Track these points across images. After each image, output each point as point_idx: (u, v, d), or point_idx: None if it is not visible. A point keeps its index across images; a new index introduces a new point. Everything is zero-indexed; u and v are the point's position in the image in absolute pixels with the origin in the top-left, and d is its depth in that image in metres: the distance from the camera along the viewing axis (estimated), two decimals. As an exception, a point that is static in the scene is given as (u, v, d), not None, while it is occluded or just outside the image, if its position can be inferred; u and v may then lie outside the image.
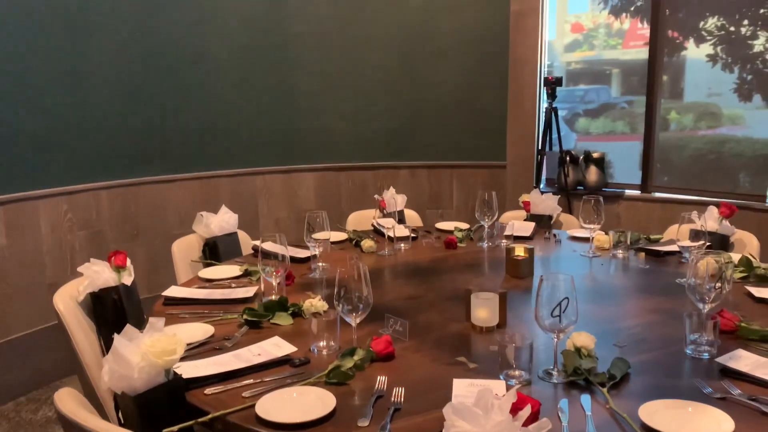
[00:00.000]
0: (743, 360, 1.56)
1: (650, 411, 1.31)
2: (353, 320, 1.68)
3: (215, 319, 1.96)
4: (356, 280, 1.66)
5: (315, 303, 1.93)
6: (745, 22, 4.09)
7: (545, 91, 4.37)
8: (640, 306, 2.10)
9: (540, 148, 4.43)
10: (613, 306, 2.11)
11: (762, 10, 3.96)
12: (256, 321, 1.92)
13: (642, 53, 4.42)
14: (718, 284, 1.72)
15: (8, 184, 3.36)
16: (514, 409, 1.07)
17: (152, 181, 4.03)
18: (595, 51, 4.83)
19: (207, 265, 2.69)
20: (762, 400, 1.36)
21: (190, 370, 1.53)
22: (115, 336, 1.39)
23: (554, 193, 3.64)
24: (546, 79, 4.34)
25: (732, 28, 4.14)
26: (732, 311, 1.92)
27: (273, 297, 2.11)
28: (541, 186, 4.68)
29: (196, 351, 1.72)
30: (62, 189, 3.60)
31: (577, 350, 1.58)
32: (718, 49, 4.18)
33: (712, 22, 4.20)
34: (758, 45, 4.00)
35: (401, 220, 3.48)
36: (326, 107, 4.69)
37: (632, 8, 4.65)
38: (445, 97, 4.76)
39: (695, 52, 4.31)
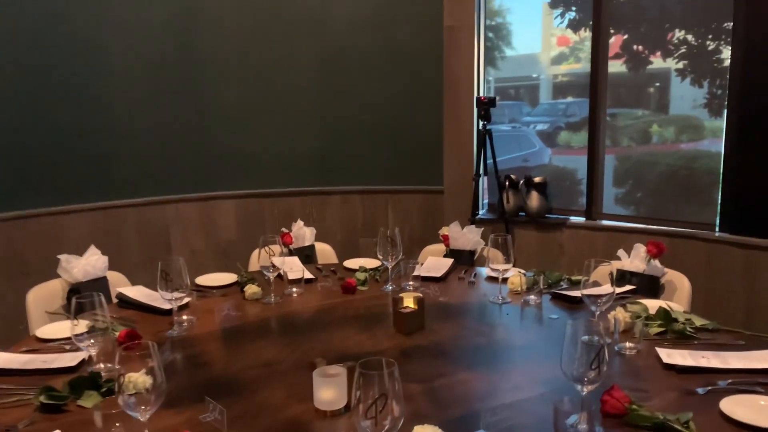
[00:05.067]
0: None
1: None
2: (141, 414, 1.34)
3: (9, 401, 1.61)
4: (141, 360, 1.33)
5: (135, 378, 1.59)
6: (710, 36, 3.87)
7: (480, 110, 4.07)
8: (529, 375, 1.77)
9: (475, 172, 4.12)
10: (498, 374, 1.79)
11: (725, 24, 3.72)
12: (54, 405, 1.57)
13: (623, 67, 4.15)
14: (602, 359, 1.39)
15: None
16: None
17: (44, 213, 3.66)
18: (581, 64, 4.62)
19: (67, 317, 2.34)
20: None
21: None
22: None
23: (486, 220, 3.34)
24: (479, 99, 4.05)
25: (696, 42, 3.93)
26: (633, 382, 1.62)
27: (100, 366, 1.78)
28: (481, 212, 4.38)
29: (-45, 451, 1.38)
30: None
31: (417, 452, 1.26)
32: (685, 63, 3.98)
33: (676, 36, 4.00)
34: (726, 60, 3.77)
35: (309, 256, 3.15)
36: (247, 129, 4.35)
37: (590, 22, 4.41)
38: (377, 118, 4.45)
39: (667, 66, 4.11)
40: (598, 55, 4.09)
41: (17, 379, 1.75)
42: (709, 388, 1.59)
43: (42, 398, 1.57)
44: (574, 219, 4.18)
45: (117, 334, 1.94)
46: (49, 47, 3.72)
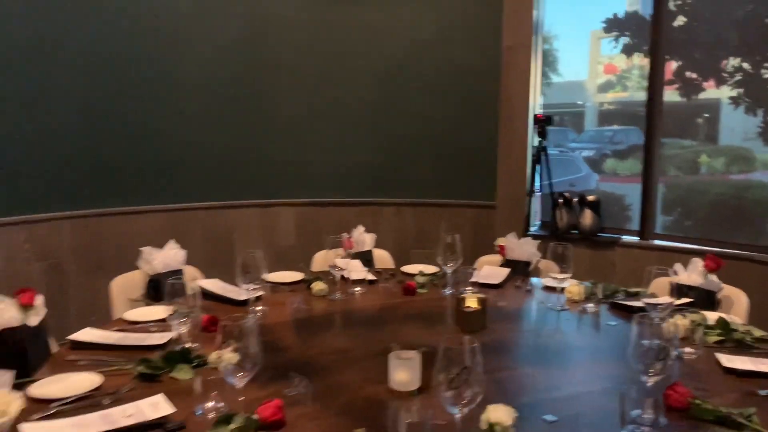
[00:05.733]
0: (685, 448, 1.31)
1: None
2: (238, 380, 1.47)
3: (110, 369, 1.77)
4: (241, 334, 1.46)
5: (224, 355, 1.73)
6: (766, 64, 3.87)
7: (537, 128, 4.16)
8: (590, 372, 1.85)
9: (529, 187, 4.20)
10: (561, 370, 1.87)
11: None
12: (152, 374, 1.72)
13: (674, 95, 4.18)
14: (670, 351, 1.47)
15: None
16: None
17: (118, 212, 3.89)
18: (629, 92, 4.67)
19: (148, 304, 2.52)
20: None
21: (41, 430, 1.34)
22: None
23: (540, 236, 3.41)
24: (536, 116, 4.14)
25: (751, 70, 3.93)
26: (694, 383, 1.67)
27: (188, 345, 1.92)
28: (533, 229, 4.44)
29: (69, 407, 1.53)
30: (21, 218, 3.48)
31: (491, 426, 1.35)
32: (739, 91, 3.98)
33: (731, 64, 4.01)
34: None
35: (368, 260, 3.27)
36: (308, 140, 4.53)
37: (645, 47, 4.44)
38: (432, 133, 4.57)
39: (720, 94, 4.11)
40: (655, 81, 4.12)
41: (114, 353, 1.91)
42: (769, 390, 1.63)
43: (141, 368, 1.73)
44: (626, 238, 4.21)
45: (201, 318, 2.09)
46: (127, 61, 3.99)
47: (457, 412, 1.30)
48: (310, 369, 1.80)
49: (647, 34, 4.16)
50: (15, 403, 1.24)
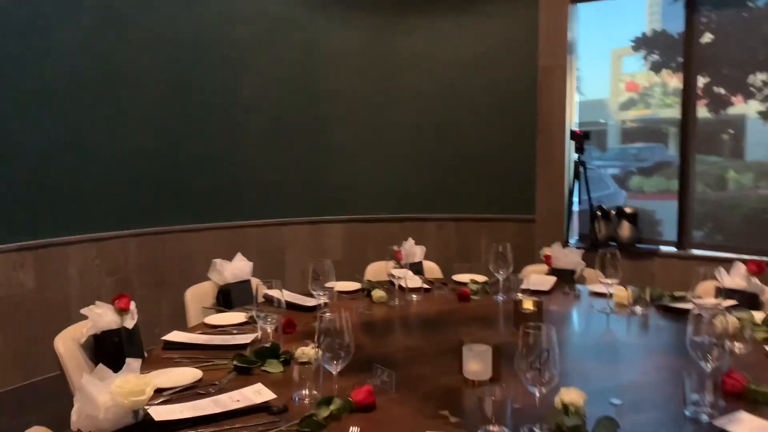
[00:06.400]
0: (744, 423, 1.44)
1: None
2: (334, 368, 1.64)
3: (206, 365, 1.95)
4: (338, 328, 1.63)
5: (306, 350, 1.90)
6: None
7: (573, 145, 4.32)
8: (647, 364, 1.98)
9: (568, 200, 4.34)
10: (619, 364, 2.01)
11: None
12: (246, 367, 1.90)
13: (700, 112, 4.29)
14: (725, 342, 1.61)
15: (39, 230, 3.51)
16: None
17: (180, 230, 4.14)
18: (652, 110, 4.77)
19: (219, 311, 2.71)
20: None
21: (163, 413, 1.52)
22: (84, 375, 1.39)
23: (580, 248, 3.54)
24: (573, 132, 4.30)
25: None
26: (747, 372, 1.79)
27: (267, 344, 2.10)
28: (572, 241, 4.57)
29: (179, 395, 1.71)
30: (92, 236, 3.73)
31: (565, 407, 1.50)
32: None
33: (759, 78, 4.12)
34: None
35: (419, 271, 3.43)
36: (355, 160, 4.76)
37: (673, 64, 4.59)
38: (473, 151, 4.76)
39: (747, 109, 4.20)
40: (689, 97, 4.24)
41: (204, 352, 2.09)
42: (821, 378, 1.75)
43: (236, 362, 1.91)
44: (664, 248, 4.31)
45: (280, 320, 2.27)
46: (194, 88, 4.29)
47: (536, 392, 1.46)
48: (388, 363, 1.95)
49: (675, 52, 4.30)
50: (151, 384, 1.43)
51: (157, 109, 4.15)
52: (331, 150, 4.70)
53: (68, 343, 2.08)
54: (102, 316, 2.15)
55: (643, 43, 4.83)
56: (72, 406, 1.42)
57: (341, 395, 1.62)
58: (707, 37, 4.30)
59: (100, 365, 1.45)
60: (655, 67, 4.71)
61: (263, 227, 4.47)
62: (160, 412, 1.51)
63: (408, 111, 4.78)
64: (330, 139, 4.70)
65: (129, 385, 1.39)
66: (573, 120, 4.65)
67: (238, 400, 1.63)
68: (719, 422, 1.45)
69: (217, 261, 2.92)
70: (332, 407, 1.54)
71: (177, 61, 4.21)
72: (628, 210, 4.43)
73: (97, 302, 2.18)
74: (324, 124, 4.69)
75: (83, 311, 2.14)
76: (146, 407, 1.49)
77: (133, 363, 1.52)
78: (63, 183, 3.66)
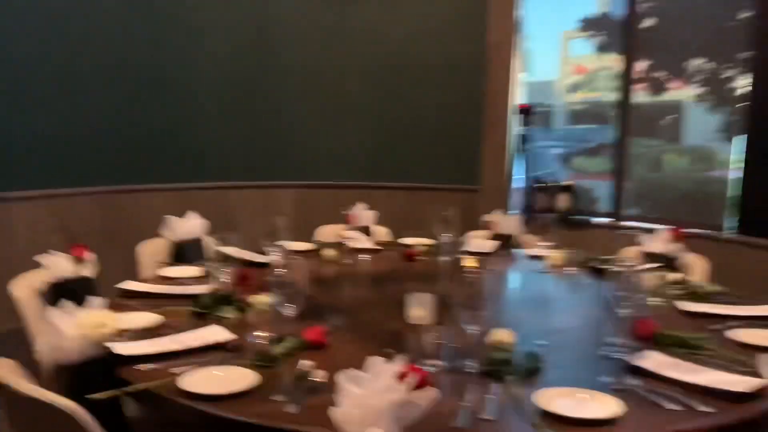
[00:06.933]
0: (651, 360, 1.64)
1: (548, 396, 1.40)
2: (289, 312, 1.76)
3: (166, 310, 2.05)
4: (293, 273, 1.76)
5: (261, 298, 2.02)
6: (730, 64, 4.17)
7: (519, 118, 4.51)
8: (572, 314, 2.19)
9: (511, 174, 4.56)
10: (548, 313, 2.21)
11: (744, 54, 4.08)
12: (203, 312, 2.01)
13: (641, 96, 4.47)
14: (641, 296, 1.80)
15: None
16: (402, 377, 1.16)
17: (130, 190, 4.15)
18: (600, 93, 4.91)
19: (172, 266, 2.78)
20: (657, 392, 1.45)
21: (126, 348, 1.62)
22: (50, 309, 1.48)
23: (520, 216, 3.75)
24: (519, 107, 4.49)
25: (715, 70, 4.24)
26: (658, 322, 2.01)
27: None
28: (514, 211, 4.79)
29: (140, 335, 1.80)
30: (42, 192, 3.72)
31: (496, 345, 1.68)
32: (704, 90, 4.27)
33: (696, 64, 4.30)
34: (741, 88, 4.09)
35: (369, 234, 3.58)
36: (307, 128, 4.84)
37: (618, 48, 4.74)
38: (423, 122, 4.90)
39: (685, 95, 4.40)
40: (627, 80, 4.46)
41: (162, 300, 2.18)
42: (718, 326, 1.99)
43: (193, 307, 2.01)
44: (599, 219, 4.58)
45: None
46: (150, 51, 4.35)
47: (473, 330, 1.62)
48: (338, 311, 2.10)
49: (620, 35, 4.51)
50: (114, 319, 1.52)
51: (113, 69, 4.14)
52: (282, 117, 4.78)
53: (24, 290, 2.12)
54: (58, 264, 2.21)
55: (590, 26, 5.01)
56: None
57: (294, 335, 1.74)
58: (650, 22, 4.50)
59: (64, 301, 1.53)
60: (602, 49, 4.89)
61: (215, 190, 4.52)
62: (124, 348, 1.60)
63: (359, 81, 4.87)
64: (281, 107, 4.77)
65: (93, 317, 1.48)
66: (518, 96, 4.84)
67: (195, 339, 1.74)
68: (627, 358, 1.65)
69: (170, 218, 2.98)
70: (286, 344, 1.67)
71: (135, 23, 4.22)
72: (566, 183, 4.67)
73: (52, 251, 2.23)
74: (276, 92, 4.74)
75: (38, 258, 2.18)
76: (109, 343, 1.59)
77: (95, 300, 1.60)
78: (13, 136, 3.66)
